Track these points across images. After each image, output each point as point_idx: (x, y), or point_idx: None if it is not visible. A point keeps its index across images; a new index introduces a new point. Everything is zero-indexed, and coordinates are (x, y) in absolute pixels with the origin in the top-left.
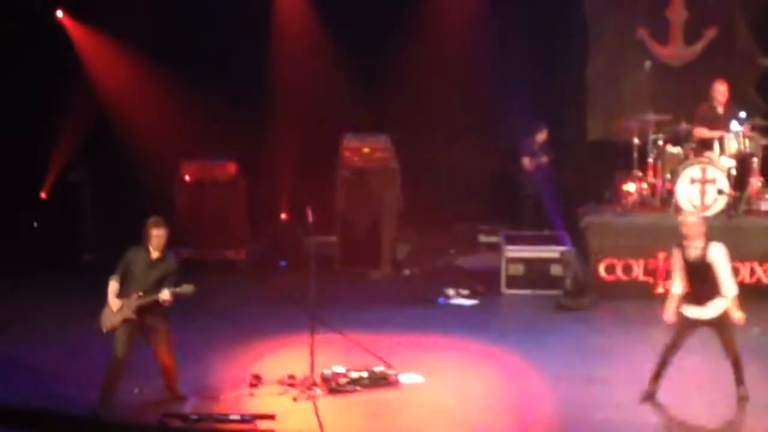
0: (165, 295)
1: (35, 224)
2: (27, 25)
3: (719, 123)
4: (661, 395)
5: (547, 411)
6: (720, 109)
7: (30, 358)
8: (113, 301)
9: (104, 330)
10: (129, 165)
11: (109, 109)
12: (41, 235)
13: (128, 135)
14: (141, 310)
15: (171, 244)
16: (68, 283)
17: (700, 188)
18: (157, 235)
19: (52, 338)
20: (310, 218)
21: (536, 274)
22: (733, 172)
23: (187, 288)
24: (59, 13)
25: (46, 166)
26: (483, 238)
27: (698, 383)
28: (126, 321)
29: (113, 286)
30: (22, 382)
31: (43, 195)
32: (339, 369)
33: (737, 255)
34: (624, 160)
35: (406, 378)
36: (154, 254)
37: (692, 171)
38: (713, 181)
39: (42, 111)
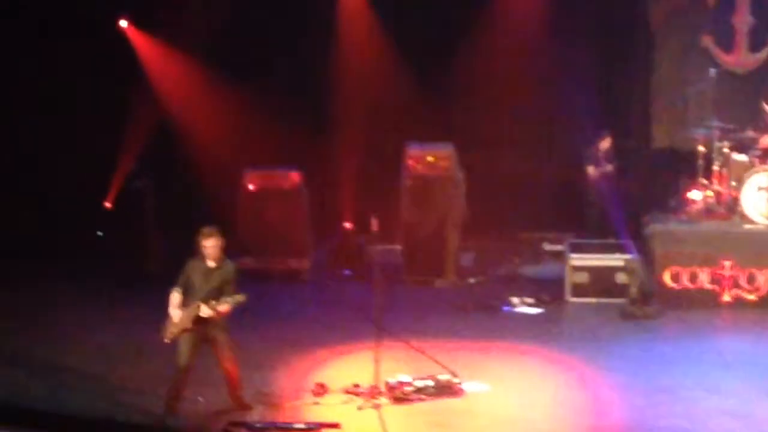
0: (205, 311)
1: (100, 233)
2: (91, 35)
3: None
4: (736, 404)
5: (613, 419)
6: None
7: (95, 367)
8: (173, 312)
9: (166, 340)
10: (193, 174)
11: (172, 118)
12: (105, 244)
13: (192, 144)
14: (200, 320)
15: (234, 253)
16: (132, 292)
17: (767, 196)
18: (210, 246)
19: (116, 347)
20: (375, 227)
21: (601, 282)
22: None
23: (238, 298)
24: (123, 23)
25: (110, 175)
26: (547, 247)
27: None
28: (185, 331)
29: (175, 297)
30: (86, 391)
31: (107, 204)
32: (404, 377)
33: None
34: (689, 167)
35: (470, 386)
36: (211, 264)
37: (758, 178)
38: None
39: (106, 120)
